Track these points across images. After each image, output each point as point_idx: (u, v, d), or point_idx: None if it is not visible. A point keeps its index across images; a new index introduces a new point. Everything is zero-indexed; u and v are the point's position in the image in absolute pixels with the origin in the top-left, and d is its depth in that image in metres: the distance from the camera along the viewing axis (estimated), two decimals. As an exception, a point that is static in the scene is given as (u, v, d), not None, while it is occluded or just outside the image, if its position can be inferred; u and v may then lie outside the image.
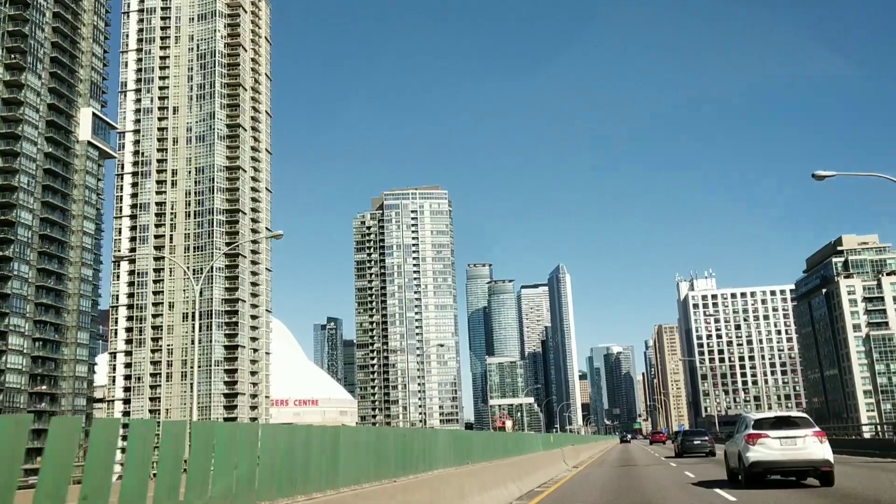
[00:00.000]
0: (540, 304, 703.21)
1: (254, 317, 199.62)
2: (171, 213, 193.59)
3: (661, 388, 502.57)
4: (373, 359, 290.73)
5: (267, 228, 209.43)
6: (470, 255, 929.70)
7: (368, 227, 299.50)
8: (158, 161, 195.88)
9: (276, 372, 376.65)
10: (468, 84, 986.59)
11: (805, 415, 24.07)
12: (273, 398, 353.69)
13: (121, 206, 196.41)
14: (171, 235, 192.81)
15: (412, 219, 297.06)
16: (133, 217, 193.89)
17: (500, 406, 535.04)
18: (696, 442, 56.87)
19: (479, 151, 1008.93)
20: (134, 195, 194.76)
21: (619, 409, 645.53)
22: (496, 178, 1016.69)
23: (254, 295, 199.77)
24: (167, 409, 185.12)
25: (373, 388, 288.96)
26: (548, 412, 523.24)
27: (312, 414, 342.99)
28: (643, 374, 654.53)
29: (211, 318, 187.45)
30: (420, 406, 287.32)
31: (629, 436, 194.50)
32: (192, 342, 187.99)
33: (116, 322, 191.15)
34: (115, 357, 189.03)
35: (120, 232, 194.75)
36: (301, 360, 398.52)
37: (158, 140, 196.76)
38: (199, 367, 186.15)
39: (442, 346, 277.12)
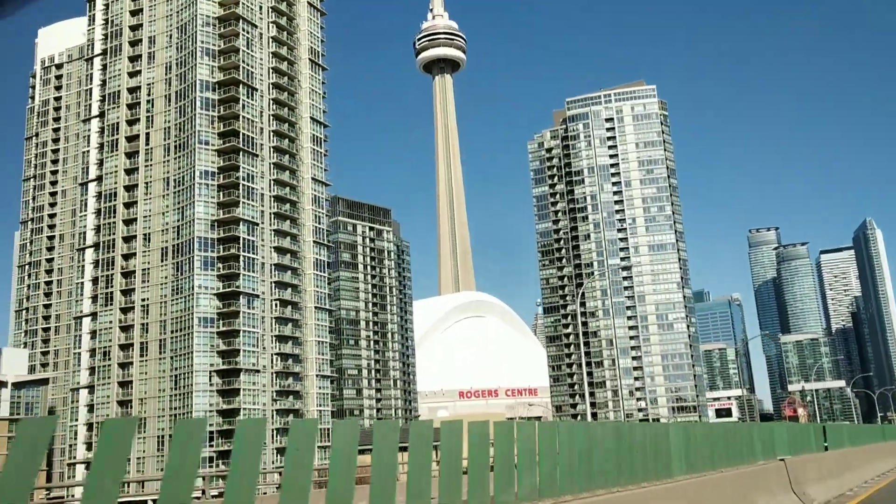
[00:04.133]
0: (846, 270, 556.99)
1: (284, 251, 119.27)
2: (148, 100, 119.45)
3: None
4: (566, 327, 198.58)
5: (317, 120, 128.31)
6: (748, 218, 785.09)
7: (549, 150, 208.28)
8: (132, 29, 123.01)
9: (483, 356, 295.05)
10: None
11: None
12: (470, 387, 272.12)
13: (89, 104, 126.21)
14: (148, 133, 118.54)
15: (607, 129, 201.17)
16: (102, 116, 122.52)
17: (800, 391, 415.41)
18: None
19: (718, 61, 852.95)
20: (103, 83, 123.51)
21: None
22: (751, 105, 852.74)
23: (281, 217, 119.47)
24: (141, 399, 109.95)
25: (568, 366, 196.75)
26: (868, 399, 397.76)
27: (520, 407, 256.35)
28: None
29: (192, 251, 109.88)
30: (639, 389, 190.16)
31: None
32: (173, 291, 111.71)
33: (83, 271, 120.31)
34: (80, 324, 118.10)
35: (88, 140, 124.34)
36: (524, 343, 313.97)
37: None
38: (179, 331, 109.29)
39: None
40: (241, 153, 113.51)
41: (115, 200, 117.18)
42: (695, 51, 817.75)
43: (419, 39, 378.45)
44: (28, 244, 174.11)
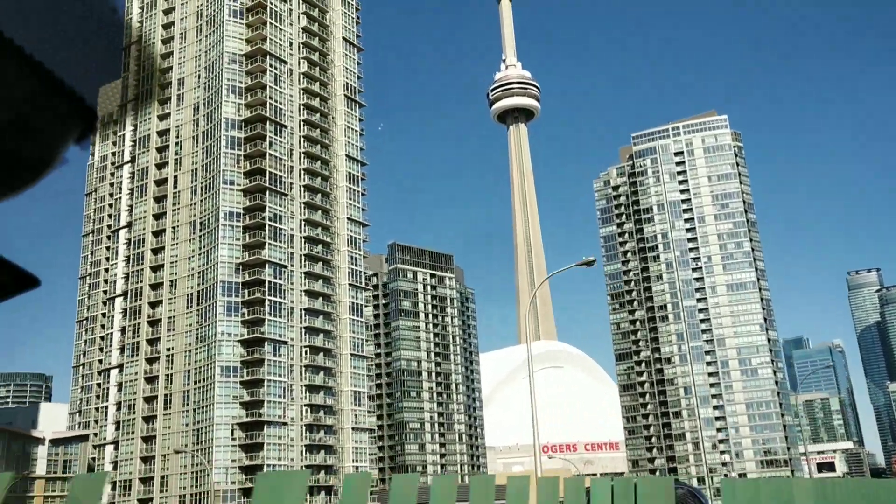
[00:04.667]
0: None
1: (316, 294, 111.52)
2: (177, 143, 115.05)
3: None
4: (640, 374, 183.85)
5: (353, 157, 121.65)
6: (845, 259, 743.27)
7: (615, 188, 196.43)
8: (162, 72, 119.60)
9: (570, 409, 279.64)
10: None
11: None
12: (555, 442, 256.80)
13: (122, 150, 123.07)
14: (176, 176, 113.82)
15: (677, 163, 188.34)
16: (133, 161, 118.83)
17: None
18: None
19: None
20: (135, 128, 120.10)
21: None
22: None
23: (313, 259, 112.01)
24: (164, 455, 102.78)
25: (644, 416, 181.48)
26: None
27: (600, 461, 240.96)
28: None
29: (215, 297, 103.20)
30: (723, 442, 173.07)
31: None
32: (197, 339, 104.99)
33: (112, 321, 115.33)
34: (108, 376, 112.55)
35: (121, 186, 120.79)
36: (605, 395, 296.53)
37: (164, 42, 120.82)
38: (201, 381, 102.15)
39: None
40: (267, 192, 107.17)
41: (143, 247, 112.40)
42: (770, 78, 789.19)
43: (492, 90, 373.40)
44: (86, 299, 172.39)
